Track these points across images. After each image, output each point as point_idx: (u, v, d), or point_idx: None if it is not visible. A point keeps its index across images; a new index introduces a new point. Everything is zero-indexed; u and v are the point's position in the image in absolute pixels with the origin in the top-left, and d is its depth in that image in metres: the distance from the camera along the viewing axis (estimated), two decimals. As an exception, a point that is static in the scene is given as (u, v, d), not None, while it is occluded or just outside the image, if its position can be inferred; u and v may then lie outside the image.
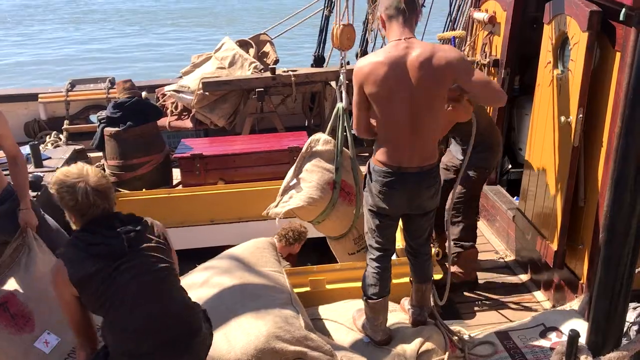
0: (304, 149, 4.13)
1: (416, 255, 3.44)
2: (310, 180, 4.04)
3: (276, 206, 4.09)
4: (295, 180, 4.11)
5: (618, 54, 3.40)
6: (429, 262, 3.49)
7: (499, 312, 4.19)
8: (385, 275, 3.34)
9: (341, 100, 4.09)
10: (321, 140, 4.13)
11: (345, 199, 4.08)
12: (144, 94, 5.84)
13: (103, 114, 5.63)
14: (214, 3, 26.41)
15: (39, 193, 4.38)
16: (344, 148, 4.09)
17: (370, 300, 3.33)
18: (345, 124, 4.03)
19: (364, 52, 7.49)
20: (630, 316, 3.00)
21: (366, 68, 2.99)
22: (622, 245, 1.17)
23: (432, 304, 3.59)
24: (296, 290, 3.65)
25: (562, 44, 3.93)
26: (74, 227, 2.68)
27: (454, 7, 6.84)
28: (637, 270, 1.58)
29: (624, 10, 3.19)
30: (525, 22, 4.95)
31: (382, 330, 3.38)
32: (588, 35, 3.51)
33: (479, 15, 5.18)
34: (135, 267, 2.52)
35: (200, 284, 3.50)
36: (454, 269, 4.39)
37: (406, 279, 3.64)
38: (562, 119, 3.79)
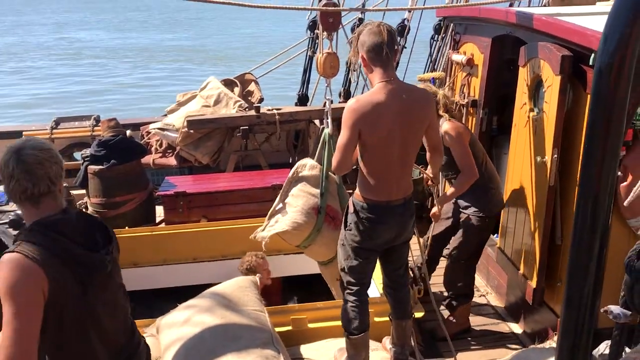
0: (290, 174, 4.20)
1: (396, 288, 3.50)
2: (295, 205, 4.09)
3: (263, 230, 4.15)
4: (281, 205, 4.17)
5: (589, 97, 3.52)
6: (408, 295, 3.55)
7: (480, 350, 4.20)
8: (365, 308, 3.38)
9: (327, 126, 4.16)
10: (307, 166, 4.20)
11: (331, 224, 4.10)
12: (128, 132, 5.88)
13: (87, 151, 5.66)
14: (199, 42, 26.80)
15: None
16: (330, 173, 4.12)
17: (352, 336, 3.34)
18: (332, 149, 4.08)
19: (347, 92, 7.63)
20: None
21: (362, 107, 3.03)
22: (582, 285, 1.22)
23: (413, 342, 3.61)
24: (278, 329, 3.65)
25: (536, 86, 4.06)
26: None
27: (434, 49, 7.06)
28: (602, 310, 1.65)
29: (593, 55, 3.32)
30: (502, 64, 5.11)
31: None
32: (561, 79, 3.64)
33: (457, 57, 5.33)
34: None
35: (182, 323, 3.49)
36: (450, 318, 4.39)
37: (387, 317, 3.66)
38: (538, 158, 3.89)
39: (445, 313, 4.41)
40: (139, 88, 19.05)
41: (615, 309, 1.56)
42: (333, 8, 3.76)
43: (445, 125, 4.03)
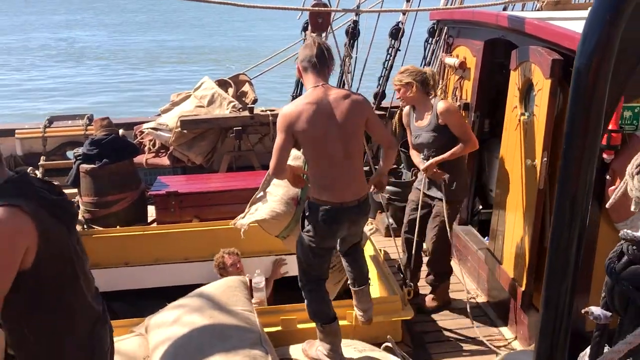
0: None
1: (351, 252, 3.72)
2: (275, 194, 4.10)
3: (243, 217, 4.20)
4: (262, 193, 4.18)
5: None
6: (363, 256, 3.83)
7: (469, 352, 4.21)
8: (328, 299, 3.64)
9: None
10: (292, 156, 4.18)
11: None
12: (121, 131, 5.89)
13: (79, 150, 5.65)
14: (194, 43, 26.81)
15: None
16: None
17: (326, 325, 3.50)
18: None
19: (341, 93, 7.62)
20: None
21: (295, 111, 3.28)
22: (559, 286, 1.22)
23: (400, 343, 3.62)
24: (267, 329, 3.65)
25: (527, 90, 4.08)
26: None
27: (428, 52, 7.08)
28: (582, 311, 1.65)
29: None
30: (494, 67, 5.13)
31: (340, 355, 3.51)
32: (551, 82, 3.65)
33: (450, 60, 5.35)
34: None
35: (171, 323, 3.49)
36: (429, 299, 4.76)
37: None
38: (528, 162, 3.90)
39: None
40: (137, 89, 19.04)
41: (596, 310, 1.56)
42: (321, 8, 3.76)
43: (441, 104, 4.32)
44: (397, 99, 4.68)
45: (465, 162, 4.68)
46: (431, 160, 4.39)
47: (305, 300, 3.63)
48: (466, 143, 4.33)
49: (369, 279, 3.83)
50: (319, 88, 3.34)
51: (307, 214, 3.45)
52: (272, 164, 3.32)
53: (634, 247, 1.51)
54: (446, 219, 4.43)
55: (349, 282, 3.82)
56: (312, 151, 3.38)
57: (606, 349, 1.63)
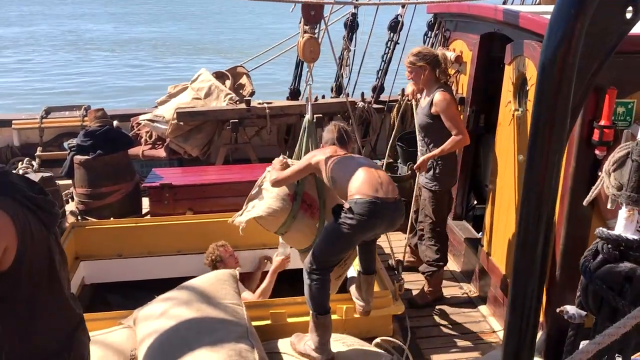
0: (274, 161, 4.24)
1: (370, 242, 3.80)
2: (271, 190, 4.08)
3: (240, 215, 4.17)
4: (257, 189, 4.16)
5: (572, 96, 3.50)
6: (375, 248, 3.93)
7: (460, 349, 4.19)
8: (329, 291, 3.67)
9: (307, 112, 4.32)
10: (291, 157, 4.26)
11: (307, 212, 4.10)
12: (115, 122, 5.86)
13: (73, 141, 5.64)
14: (194, 34, 26.73)
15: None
16: None
17: (320, 316, 3.50)
18: (311, 135, 4.27)
19: (338, 87, 7.60)
20: None
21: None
22: (526, 285, 1.20)
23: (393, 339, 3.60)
24: (257, 323, 3.64)
25: (521, 84, 4.04)
26: None
27: (427, 45, 7.02)
28: (557, 310, 1.63)
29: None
30: (491, 62, 5.08)
31: (329, 350, 3.50)
32: (544, 77, 3.61)
33: (447, 54, 5.28)
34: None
35: (158, 315, 3.47)
36: (425, 289, 4.78)
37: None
38: (521, 157, 3.87)
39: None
40: (134, 78, 19.01)
41: (571, 309, 1.54)
42: (315, 0, 3.73)
43: (438, 95, 4.39)
44: (409, 79, 4.69)
45: (453, 153, 4.67)
46: (422, 158, 4.51)
47: (307, 288, 3.61)
48: (456, 137, 4.34)
49: (376, 271, 3.90)
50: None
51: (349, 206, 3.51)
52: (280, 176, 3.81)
53: (609, 246, 1.49)
54: (428, 206, 4.58)
55: (358, 269, 3.88)
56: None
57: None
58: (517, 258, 1.24)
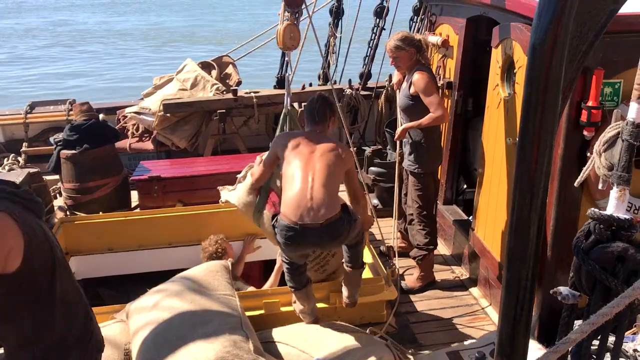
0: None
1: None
2: (245, 182, 4.06)
3: (229, 191, 4.19)
4: (244, 173, 4.16)
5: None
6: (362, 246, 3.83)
7: (453, 332, 4.22)
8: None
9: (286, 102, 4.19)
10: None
11: (272, 209, 4.01)
12: (101, 116, 5.79)
13: (59, 136, 5.57)
14: (179, 23, 26.48)
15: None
16: None
17: (297, 291, 3.66)
18: (292, 124, 4.17)
19: (325, 75, 7.56)
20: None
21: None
22: (520, 268, 1.20)
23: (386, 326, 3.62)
24: (250, 313, 3.64)
25: (508, 67, 4.04)
26: None
27: (413, 31, 7.00)
28: (551, 291, 1.63)
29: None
30: (477, 45, 5.07)
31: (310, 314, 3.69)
32: (531, 59, 3.61)
33: (433, 38, 5.29)
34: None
35: (151, 308, 3.46)
36: (416, 274, 4.78)
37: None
38: (509, 140, 3.88)
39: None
40: (114, 69, 18.83)
41: (564, 290, 1.55)
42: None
43: (416, 75, 4.40)
44: (392, 65, 4.67)
45: (436, 135, 4.68)
46: (401, 127, 4.56)
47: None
48: (434, 114, 4.35)
49: (364, 265, 3.82)
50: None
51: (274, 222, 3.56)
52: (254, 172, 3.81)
53: (601, 226, 1.50)
54: (413, 190, 4.63)
55: (343, 261, 3.83)
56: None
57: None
58: (511, 240, 1.24)
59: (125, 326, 3.56)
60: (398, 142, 4.89)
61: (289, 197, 3.44)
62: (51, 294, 2.16)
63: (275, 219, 3.54)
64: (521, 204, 1.19)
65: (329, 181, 3.49)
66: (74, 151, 5.40)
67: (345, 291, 3.76)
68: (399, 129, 4.61)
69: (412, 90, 4.43)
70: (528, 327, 1.26)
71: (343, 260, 3.81)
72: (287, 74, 4.25)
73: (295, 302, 3.76)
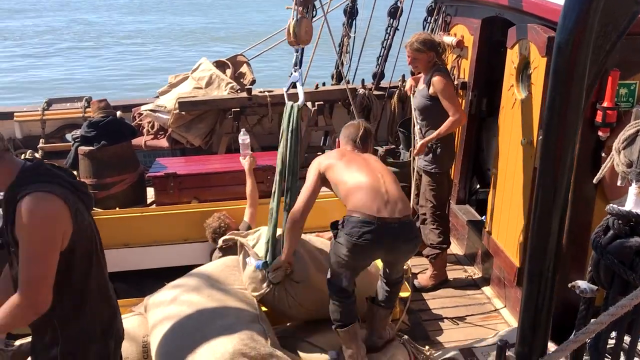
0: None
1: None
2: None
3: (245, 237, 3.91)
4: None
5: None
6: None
7: (466, 330, 4.25)
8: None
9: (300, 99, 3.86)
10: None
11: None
12: (118, 113, 5.86)
13: (77, 132, 5.65)
14: (192, 24, 26.59)
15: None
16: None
17: (339, 329, 3.31)
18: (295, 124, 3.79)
19: (339, 74, 7.61)
20: None
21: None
22: (542, 260, 1.24)
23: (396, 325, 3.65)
24: (265, 308, 3.69)
25: (523, 68, 4.06)
26: None
27: (427, 31, 7.03)
28: (569, 285, 1.67)
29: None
30: (492, 46, 5.10)
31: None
32: (547, 60, 3.64)
33: (448, 39, 5.32)
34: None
35: (169, 302, 3.53)
36: (429, 272, 4.82)
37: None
38: (523, 140, 3.91)
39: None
40: (131, 68, 18.97)
41: (583, 284, 1.58)
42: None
43: (435, 77, 4.44)
44: (410, 65, 4.73)
45: (452, 135, 4.74)
46: (420, 142, 4.58)
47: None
48: (452, 117, 4.39)
49: (394, 306, 3.67)
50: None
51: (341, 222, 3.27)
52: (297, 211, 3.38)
53: (620, 222, 1.53)
54: (428, 189, 4.64)
55: (366, 298, 3.60)
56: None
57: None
58: (533, 233, 1.28)
59: (144, 319, 3.62)
60: (412, 141, 4.94)
61: (360, 192, 3.17)
62: (85, 284, 2.23)
63: (339, 222, 3.21)
64: (544, 198, 1.24)
65: (395, 180, 3.37)
66: (91, 147, 5.48)
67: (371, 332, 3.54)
68: (417, 144, 4.65)
69: (431, 90, 4.47)
70: (549, 318, 1.30)
71: (368, 297, 3.55)
72: (299, 71, 4.09)
73: (343, 347, 3.32)
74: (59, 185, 2.12)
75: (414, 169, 4.93)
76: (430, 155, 4.61)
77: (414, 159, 4.94)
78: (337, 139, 3.77)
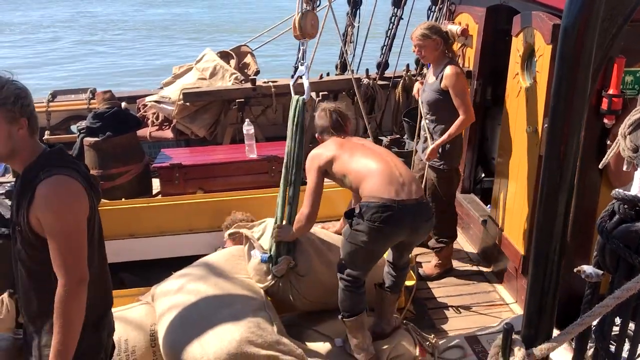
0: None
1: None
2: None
3: (251, 228, 3.95)
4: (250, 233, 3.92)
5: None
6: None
7: (471, 318, 4.27)
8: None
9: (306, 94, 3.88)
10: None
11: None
12: (123, 104, 5.89)
13: (83, 124, 5.67)
14: (196, 15, 26.53)
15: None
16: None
17: (346, 319, 3.38)
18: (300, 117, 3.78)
19: (343, 64, 7.60)
20: None
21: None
22: (549, 243, 1.25)
23: (402, 313, 3.67)
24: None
25: (528, 56, 4.06)
26: None
27: (431, 20, 7.00)
28: (575, 270, 1.68)
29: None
30: (497, 34, 5.08)
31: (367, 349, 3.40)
32: (552, 48, 3.63)
33: (452, 27, 5.29)
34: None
35: (176, 291, 3.55)
36: (434, 261, 4.79)
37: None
38: (529, 128, 3.91)
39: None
40: (135, 60, 18.96)
41: (588, 268, 1.59)
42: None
43: (449, 69, 4.30)
44: (417, 54, 4.57)
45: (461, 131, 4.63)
46: (431, 148, 4.44)
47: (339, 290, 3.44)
48: (462, 116, 4.26)
49: (401, 291, 3.75)
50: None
51: (359, 211, 3.26)
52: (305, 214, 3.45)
53: (625, 206, 1.54)
54: (437, 186, 4.57)
55: (375, 284, 3.66)
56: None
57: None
58: (539, 221, 1.29)
59: (151, 308, 3.65)
60: (417, 132, 4.93)
61: (374, 177, 3.18)
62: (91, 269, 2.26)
63: (357, 209, 3.20)
64: (551, 181, 1.24)
65: (402, 161, 3.41)
66: (97, 138, 5.50)
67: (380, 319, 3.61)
68: (427, 150, 4.48)
69: (442, 84, 4.31)
70: (555, 301, 1.32)
71: (376, 283, 3.60)
72: (305, 64, 4.08)
73: (348, 336, 3.41)
74: (76, 172, 2.17)
75: (414, 161, 4.91)
76: (440, 152, 4.49)
77: (415, 151, 4.93)
78: (317, 135, 3.75)
